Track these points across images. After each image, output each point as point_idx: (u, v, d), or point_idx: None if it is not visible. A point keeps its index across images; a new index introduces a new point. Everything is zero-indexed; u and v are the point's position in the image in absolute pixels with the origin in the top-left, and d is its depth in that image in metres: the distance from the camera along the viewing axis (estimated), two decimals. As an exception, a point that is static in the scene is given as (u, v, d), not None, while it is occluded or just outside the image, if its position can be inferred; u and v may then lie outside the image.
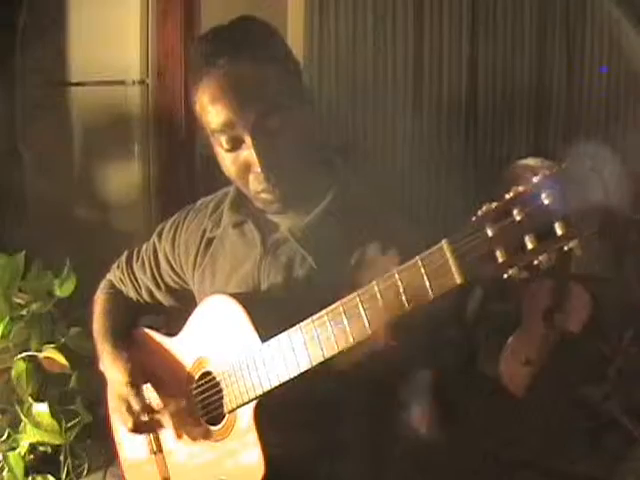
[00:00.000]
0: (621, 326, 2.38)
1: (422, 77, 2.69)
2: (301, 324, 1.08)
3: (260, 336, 1.15)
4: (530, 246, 0.84)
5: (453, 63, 2.73)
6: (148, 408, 1.32)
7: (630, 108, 2.88)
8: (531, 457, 2.17)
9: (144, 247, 1.52)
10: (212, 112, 1.19)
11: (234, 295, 1.23)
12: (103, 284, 1.57)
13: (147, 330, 1.46)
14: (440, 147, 2.74)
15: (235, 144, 1.19)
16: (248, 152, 1.19)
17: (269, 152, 1.18)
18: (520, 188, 0.85)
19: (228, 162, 1.22)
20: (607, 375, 2.36)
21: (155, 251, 1.48)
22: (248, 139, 1.18)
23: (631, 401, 2.33)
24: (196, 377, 1.29)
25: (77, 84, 2.43)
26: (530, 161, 2.13)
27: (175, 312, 1.49)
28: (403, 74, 2.67)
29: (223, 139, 1.19)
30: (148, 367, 1.38)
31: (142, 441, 1.40)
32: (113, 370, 1.37)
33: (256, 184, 1.22)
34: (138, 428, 1.34)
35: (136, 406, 1.31)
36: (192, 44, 1.26)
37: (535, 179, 0.84)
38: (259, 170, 1.18)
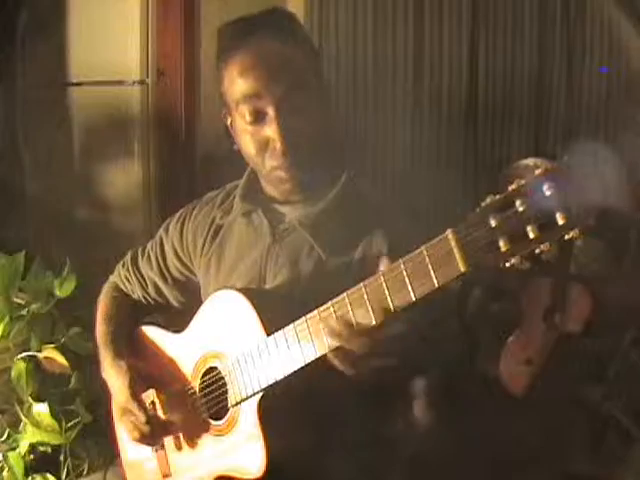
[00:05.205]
0: (621, 326, 2.38)
1: (422, 77, 2.69)
2: (307, 316, 1.08)
3: (266, 328, 1.15)
4: (532, 235, 0.87)
5: (453, 63, 2.73)
6: (150, 419, 1.32)
7: (630, 108, 2.88)
8: (531, 457, 2.16)
9: (149, 244, 1.53)
10: (240, 82, 1.22)
11: (240, 289, 1.23)
12: (106, 287, 1.57)
13: (152, 327, 1.46)
14: (439, 146, 2.73)
15: (258, 117, 1.22)
16: (269, 126, 1.21)
17: (291, 127, 1.20)
18: (522, 180, 0.88)
19: (247, 138, 1.24)
20: (607, 375, 2.36)
21: (162, 245, 1.49)
22: (272, 112, 1.20)
23: (631, 401, 2.33)
24: (201, 373, 1.30)
25: (77, 84, 2.43)
26: (530, 161, 2.13)
27: (180, 310, 1.50)
28: (403, 74, 2.67)
29: (246, 111, 1.22)
30: (152, 366, 1.39)
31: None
32: (114, 380, 1.38)
33: (272, 160, 1.23)
34: (142, 439, 1.35)
35: (139, 418, 1.32)
36: (220, 29, 1.30)
37: (537, 172, 0.86)
38: (278, 145, 1.20)
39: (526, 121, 2.86)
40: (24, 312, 1.93)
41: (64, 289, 1.96)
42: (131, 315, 1.52)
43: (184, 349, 1.35)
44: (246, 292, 1.22)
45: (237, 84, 1.22)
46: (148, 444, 1.38)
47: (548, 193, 0.85)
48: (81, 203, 2.47)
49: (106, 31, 2.34)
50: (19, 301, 1.95)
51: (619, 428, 2.30)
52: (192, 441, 1.31)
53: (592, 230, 0.85)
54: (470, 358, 2.38)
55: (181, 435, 1.34)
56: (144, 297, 1.53)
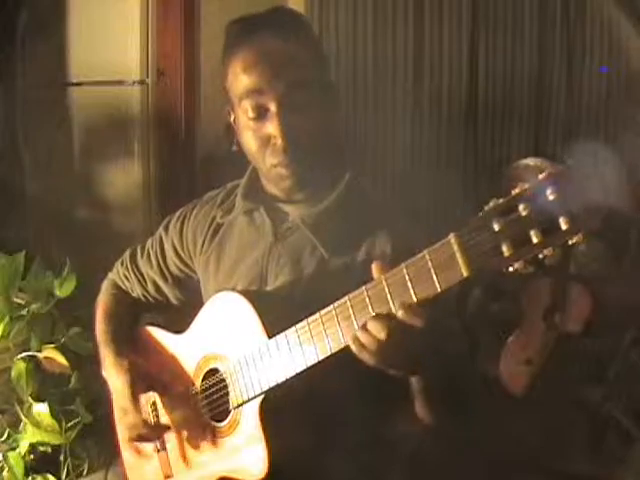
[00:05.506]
0: (621, 326, 2.38)
1: (422, 77, 2.69)
2: (308, 319, 1.08)
3: (267, 331, 1.15)
4: (535, 240, 0.86)
5: (453, 63, 2.73)
6: (145, 423, 1.34)
7: (630, 108, 2.88)
8: (531, 457, 2.16)
9: (149, 242, 1.52)
10: (243, 78, 1.23)
11: (241, 291, 1.23)
12: (105, 285, 1.57)
13: (153, 328, 1.46)
14: (439, 147, 2.74)
15: (260, 112, 1.22)
16: (271, 122, 1.21)
17: (292, 124, 1.21)
18: (526, 185, 0.87)
19: (249, 134, 1.25)
20: (607, 375, 2.36)
21: (162, 243, 1.49)
22: (274, 107, 1.21)
23: (631, 401, 2.33)
24: (202, 374, 1.30)
25: (77, 84, 2.43)
26: (530, 161, 2.13)
27: (179, 310, 1.50)
28: (403, 74, 2.67)
29: (249, 106, 1.22)
30: (153, 367, 1.38)
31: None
32: (114, 379, 1.38)
33: (273, 157, 1.23)
34: (138, 439, 1.36)
35: (134, 420, 1.33)
36: (226, 27, 1.31)
37: (541, 176, 0.86)
38: (279, 141, 1.21)
39: (526, 121, 2.86)
40: (24, 312, 1.93)
41: (64, 289, 1.96)
42: (131, 313, 1.52)
43: (185, 350, 1.35)
44: (247, 294, 1.21)
45: (240, 80, 1.23)
46: (140, 441, 1.38)
47: (551, 197, 0.85)
48: (81, 203, 2.47)
49: (106, 31, 2.34)
50: (19, 301, 1.95)
51: (619, 428, 2.30)
52: (194, 442, 1.31)
53: (595, 233, 0.84)
54: (470, 358, 2.38)
55: (183, 436, 1.34)
56: (143, 295, 1.52)
